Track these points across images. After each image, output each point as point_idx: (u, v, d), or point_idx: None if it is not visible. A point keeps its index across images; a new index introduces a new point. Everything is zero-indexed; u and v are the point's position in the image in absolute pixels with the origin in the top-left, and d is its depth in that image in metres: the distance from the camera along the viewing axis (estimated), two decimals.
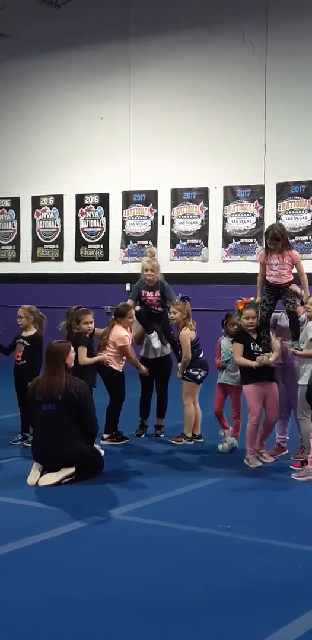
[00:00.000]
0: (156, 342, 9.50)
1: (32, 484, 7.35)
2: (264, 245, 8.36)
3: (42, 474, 7.42)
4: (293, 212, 14.88)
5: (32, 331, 9.15)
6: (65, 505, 6.71)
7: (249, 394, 8.15)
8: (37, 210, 17.68)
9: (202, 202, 15.79)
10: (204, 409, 9.32)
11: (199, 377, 9.06)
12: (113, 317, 9.29)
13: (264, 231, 8.42)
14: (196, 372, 9.05)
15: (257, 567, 5.33)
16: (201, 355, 9.13)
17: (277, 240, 8.08)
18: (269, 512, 6.68)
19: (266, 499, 7.07)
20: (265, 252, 8.29)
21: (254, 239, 15.27)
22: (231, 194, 15.51)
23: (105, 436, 9.12)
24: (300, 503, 6.96)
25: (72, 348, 7.89)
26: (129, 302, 9.55)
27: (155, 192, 16.29)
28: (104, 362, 8.93)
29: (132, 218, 16.56)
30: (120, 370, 9.16)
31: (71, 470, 7.38)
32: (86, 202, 17.08)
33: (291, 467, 7.99)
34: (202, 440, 9.20)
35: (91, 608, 4.68)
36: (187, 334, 9.03)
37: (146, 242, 16.30)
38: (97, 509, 6.59)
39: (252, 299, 8.36)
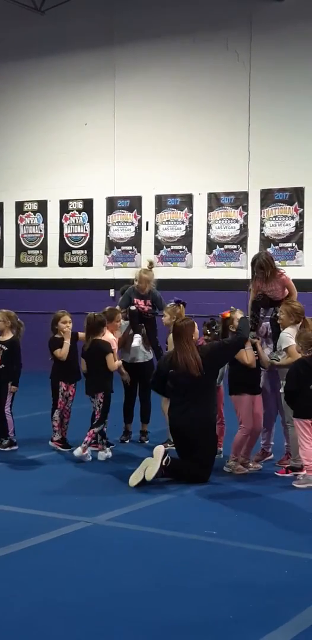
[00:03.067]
0: (135, 342, 9.48)
1: (132, 485, 7.38)
2: (251, 272, 8.49)
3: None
4: (277, 218, 14.94)
5: (8, 336, 9.15)
6: (51, 512, 6.69)
7: (241, 405, 8.13)
8: (20, 215, 17.64)
9: (186, 209, 15.83)
10: None
11: None
12: None
13: (251, 260, 8.53)
14: None
15: (243, 573, 5.35)
16: None
17: (262, 269, 8.20)
18: (255, 518, 6.69)
19: (251, 505, 7.09)
20: (254, 281, 8.37)
21: (238, 246, 15.32)
22: (215, 201, 15.55)
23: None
24: (285, 509, 6.99)
25: (196, 324, 8.14)
26: (118, 308, 9.57)
27: (139, 198, 16.31)
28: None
29: (116, 224, 16.57)
30: None
31: (162, 448, 7.51)
32: (70, 207, 17.07)
33: (275, 473, 8.02)
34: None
35: (79, 613, 4.69)
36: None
37: (130, 248, 16.31)
38: (83, 515, 6.57)
39: (231, 307, 8.40)
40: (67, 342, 9.07)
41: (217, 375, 8.17)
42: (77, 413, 9.30)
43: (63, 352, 9.06)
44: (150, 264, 10.11)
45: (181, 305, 9.09)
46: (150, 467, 7.40)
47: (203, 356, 7.81)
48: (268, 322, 8.57)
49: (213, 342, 8.27)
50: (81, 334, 9.25)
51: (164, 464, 7.41)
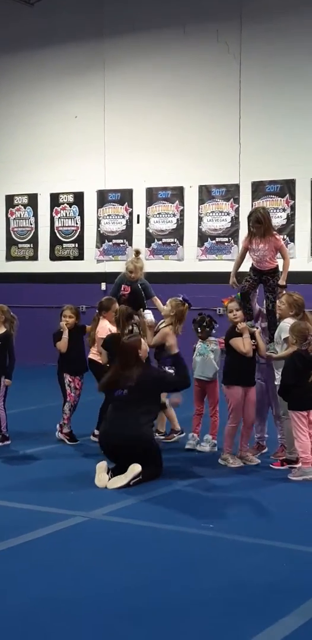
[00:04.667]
0: (148, 315, 9.48)
1: (101, 486, 7.20)
2: (248, 230, 8.37)
3: (109, 475, 7.28)
4: (269, 211, 14.89)
5: (1, 330, 9.15)
6: (46, 506, 6.66)
7: (232, 396, 8.10)
8: (11, 209, 17.56)
9: (177, 201, 15.79)
10: (188, 408, 9.34)
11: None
12: (97, 311, 9.30)
13: (248, 214, 8.37)
14: (171, 370, 9.00)
15: (241, 566, 5.34)
16: None
17: (259, 223, 8.05)
18: (251, 511, 6.69)
19: (247, 498, 7.07)
20: (248, 237, 8.28)
21: (230, 238, 15.31)
22: (206, 193, 15.53)
23: (96, 432, 9.12)
24: (281, 501, 6.98)
25: (143, 341, 7.97)
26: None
27: (130, 191, 16.27)
28: None
29: (107, 217, 16.52)
30: None
31: (138, 469, 7.25)
32: (61, 201, 17.01)
33: (271, 465, 8.00)
34: (184, 434, 9.16)
35: (76, 608, 4.66)
36: (167, 332, 8.89)
37: (121, 241, 16.28)
38: (79, 510, 6.55)
39: (238, 294, 8.37)
40: (64, 336, 9.19)
41: (155, 402, 7.92)
42: (84, 406, 9.31)
43: (61, 344, 9.20)
44: (137, 252, 10.21)
45: (186, 304, 8.97)
46: (116, 479, 7.24)
47: (145, 380, 7.60)
48: (263, 309, 8.48)
49: (156, 373, 8.01)
50: (89, 327, 9.36)
51: (131, 484, 7.21)
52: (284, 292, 8.24)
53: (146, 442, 7.50)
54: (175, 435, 9.12)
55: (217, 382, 8.78)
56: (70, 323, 9.27)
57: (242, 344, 8.01)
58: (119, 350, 7.84)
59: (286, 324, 7.87)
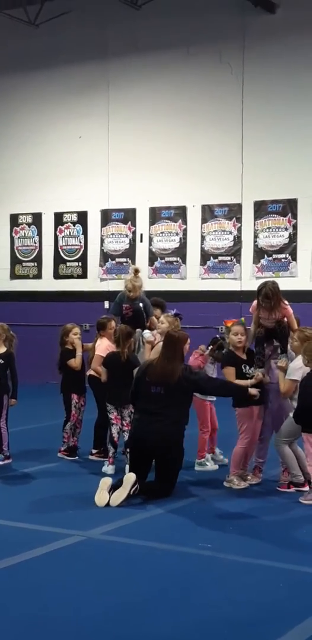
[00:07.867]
0: (147, 334, 9.60)
1: (101, 505, 7.19)
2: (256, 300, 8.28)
3: (110, 494, 7.27)
4: (270, 230, 14.99)
5: (2, 349, 9.17)
6: (45, 525, 6.67)
7: (243, 417, 7.99)
8: (15, 228, 17.66)
9: (180, 220, 15.87)
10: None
11: None
12: (97, 331, 9.41)
13: (257, 288, 8.32)
14: None
15: (239, 586, 5.34)
16: None
17: (268, 299, 8.05)
18: (251, 531, 6.67)
19: (247, 518, 7.06)
20: (258, 308, 8.24)
21: (232, 257, 15.36)
22: (208, 212, 15.60)
23: (93, 451, 9.14)
24: (280, 522, 6.96)
25: (188, 339, 8.02)
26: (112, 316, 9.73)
27: (133, 210, 16.35)
28: None
29: (111, 236, 16.60)
30: None
31: (133, 478, 7.27)
32: (65, 220, 17.10)
33: (277, 488, 7.91)
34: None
35: (71, 629, 4.66)
36: None
37: (125, 259, 16.35)
38: (77, 529, 6.55)
39: (241, 319, 8.36)
40: (79, 354, 9.26)
41: (189, 405, 7.96)
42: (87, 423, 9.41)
43: (78, 362, 9.28)
44: (136, 271, 10.30)
45: (179, 318, 9.15)
46: (117, 493, 7.23)
47: (189, 378, 7.65)
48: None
49: (202, 374, 8.08)
50: (86, 345, 9.50)
51: (132, 493, 7.24)
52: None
53: (180, 446, 7.61)
54: None
55: (206, 402, 8.78)
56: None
57: (232, 376, 7.95)
58: (166, 342, 7.88)
59: (297, 362, 7.76)
